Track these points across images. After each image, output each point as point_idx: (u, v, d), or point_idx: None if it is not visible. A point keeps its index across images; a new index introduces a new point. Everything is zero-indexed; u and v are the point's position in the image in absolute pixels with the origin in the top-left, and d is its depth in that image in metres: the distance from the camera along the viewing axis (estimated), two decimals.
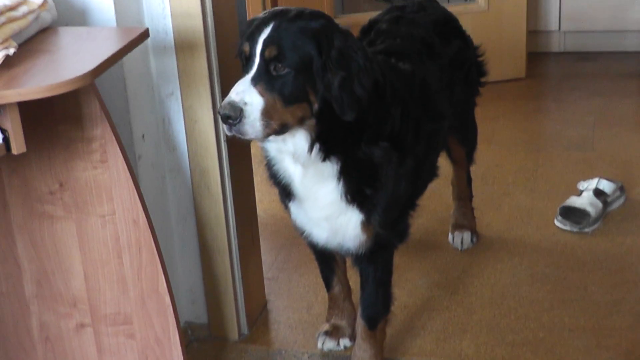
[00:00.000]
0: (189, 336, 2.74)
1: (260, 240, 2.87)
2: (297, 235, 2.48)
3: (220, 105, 2.05)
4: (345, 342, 2.65)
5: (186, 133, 2.54)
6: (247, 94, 2.02)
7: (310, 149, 2.14)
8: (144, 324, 2.33)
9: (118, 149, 2.17)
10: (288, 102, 2.05)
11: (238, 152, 2.59)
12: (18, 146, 1.86)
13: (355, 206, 2.26)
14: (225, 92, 2.49)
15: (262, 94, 2.02)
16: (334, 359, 2.63)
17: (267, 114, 2.03)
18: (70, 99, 2.11)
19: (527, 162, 3.81)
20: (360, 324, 2.48)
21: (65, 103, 2.12)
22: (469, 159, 3.10)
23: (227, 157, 2.57)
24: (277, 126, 2.06)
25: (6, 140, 1.85)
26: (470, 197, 3.20)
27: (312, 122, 2.10)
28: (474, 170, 3.21)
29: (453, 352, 2.62)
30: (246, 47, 2.07)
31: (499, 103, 4.38)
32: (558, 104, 4.46)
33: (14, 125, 1.84)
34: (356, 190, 2.23)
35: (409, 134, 2.26)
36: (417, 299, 2.88)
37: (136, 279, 2.29)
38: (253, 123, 2.03)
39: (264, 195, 2.92)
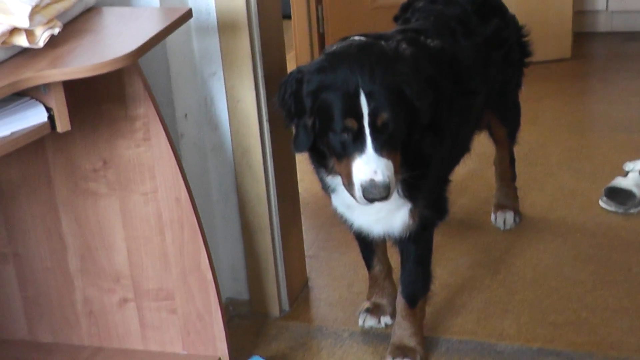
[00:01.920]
0: (230, 312, 2.77)
1: (301, 219, 2.89)
2: None
3: (365, 190, 2.02)
4: (386, 319, 2.66)
5: (228, 112, 2.55)
6: (384, 167, 2.02)
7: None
8: (185, 299, 2.36)
9: (161, 127, 2.20)
10: (398, 147, 2.09)
11: (280, 131, 2.61)
12: (63, 124, 1.90)
13: (407, 198, 2.26)
14: (268, 72, 2.51)
15: (388, 157, 2.03)
16: (374, 336, 2.64)
17: (395, 170, 2.06)
18: (114, 78, 2.13)
19: (572, 143, 3.77)
20: (400, 302, 2.48)
21: (109, 82, 2.15)
22: (512, 139, 3.08)
23: (269, 136, 2.59)
24: (399, 173, 2.10)
25: (51, 118, 1.88)
26: (513, 177, 3.18)
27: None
28: (517, 150, 3.19)
29: (494, 332, 2.61)
30: (352, 123, 2.02)
31: (543, 84, 4.34)
32: (604, 84, 4.41)
33: (58, 104, 1.88)
34: (409, 184, 2.23)
35: (444, 113, 2.25)
36: (459, 278, 2.88)
37: (178, 256, 2.32)
38: (394, 187, 2.06)
39: (305, 174, 2.93)
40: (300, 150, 2.20)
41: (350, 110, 2.02)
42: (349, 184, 2.07)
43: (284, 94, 2.15)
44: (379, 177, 2.01)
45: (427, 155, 2.23)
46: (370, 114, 2.01)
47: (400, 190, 2.23)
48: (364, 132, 2.01)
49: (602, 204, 3.24)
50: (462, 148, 2.63)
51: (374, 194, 2.02)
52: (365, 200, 2.04)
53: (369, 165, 2.01)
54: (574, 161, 3.60)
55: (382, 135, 2.02)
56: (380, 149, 2.01)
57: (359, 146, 2.02)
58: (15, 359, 2.50)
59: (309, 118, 2.10)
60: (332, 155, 2.12)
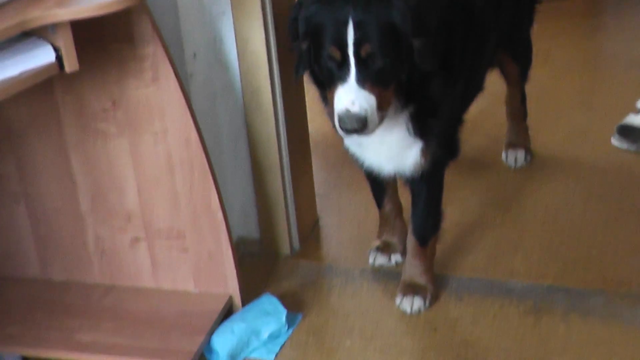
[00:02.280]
0: (241, 251, 2.78)
1: (312, 158, 2.89)
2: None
3: (341, 119, 2.01)
4: (396, 257, 2.67)
5: (237, 52, 2.54)
6: (362, 99, 2.00)
7: (400, 110, 2.16)
8: (196, 238, 2.38)
9: (170, 67, 2.19)
10: (389, 84, 2.06)
11: (290, 71, 2.59)
12: (71, 64, 1.89)
13: (418, 137, 2.26)
14: (277, 11, 2.49)
15: (371, 91, 2.01)
16: (384, 274, 2.65)
17: (380, 106, 2.04)
18: (121, 18, 2.12)
19: (585, 81, 3.74)
20: (411, 240, 2.49)
21: (117, 22, 2.14)
22: (523, 77, 3.06)
23: (278, 76, 2.57)
24: (388, 110, 2.08)
25: (59, 58, 1.88)
26: (524, 115, 3.17)
27: (399, 88, 2.11)
28: (529, 89, 3.17)
29: (504, 269, 2.62)
30: (336, 52, 2.01)
31: (556, 21, 4.27)
32: (618, 21, 4.36)
33: (66, 44, 1.87)
34: (420, 123, 2.23)
35: (457, 54, 2.24)
36: (469, 217, 2.88)
37: (189, 196, 2.33)
38: (375, 122, 2.04)
39: (316, 114, 2.92)
40: (298, 74, 2.21)
41: (337, 38, 2.01)
42: (333, 113, 2.08)
43: (291, 18, 2.16)
44: (355, 109, 2.00)
45: (438, 95, 2.22)
46: (355, 44, 1.99)
47: (411, 129, 2.23)
48: (348, 61, 2.01)
49: (614, 142, 3.22)
50: (475, 87, 2.61)
51: (347, 124, 2.01)
52: (342, 131, 2.05)
53: (347, 95, 2.01)
54: (586, 99, 3.58)
55: (368, 68, 2.01)
56: (363, 80, 2.00)
57: (343, 75, 2.02)
58: (29, 297, 2.53)
59: (303, 42, 2.10)
60: (326, 84, 2.13)
